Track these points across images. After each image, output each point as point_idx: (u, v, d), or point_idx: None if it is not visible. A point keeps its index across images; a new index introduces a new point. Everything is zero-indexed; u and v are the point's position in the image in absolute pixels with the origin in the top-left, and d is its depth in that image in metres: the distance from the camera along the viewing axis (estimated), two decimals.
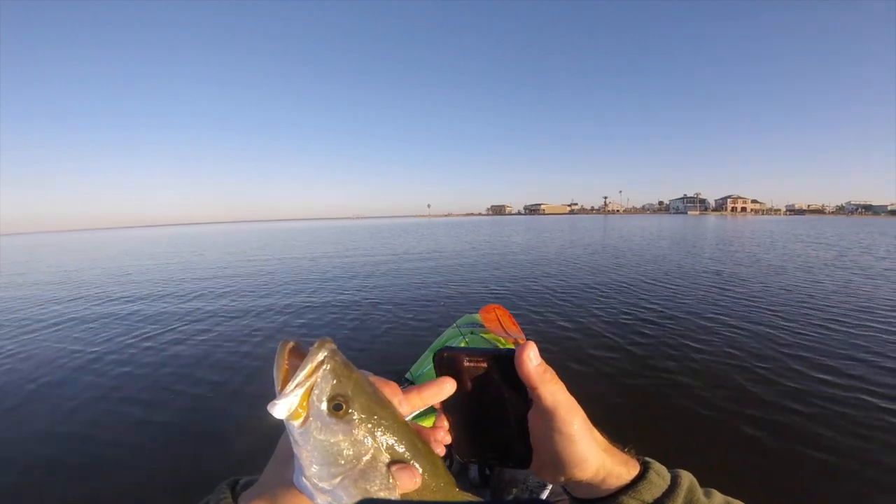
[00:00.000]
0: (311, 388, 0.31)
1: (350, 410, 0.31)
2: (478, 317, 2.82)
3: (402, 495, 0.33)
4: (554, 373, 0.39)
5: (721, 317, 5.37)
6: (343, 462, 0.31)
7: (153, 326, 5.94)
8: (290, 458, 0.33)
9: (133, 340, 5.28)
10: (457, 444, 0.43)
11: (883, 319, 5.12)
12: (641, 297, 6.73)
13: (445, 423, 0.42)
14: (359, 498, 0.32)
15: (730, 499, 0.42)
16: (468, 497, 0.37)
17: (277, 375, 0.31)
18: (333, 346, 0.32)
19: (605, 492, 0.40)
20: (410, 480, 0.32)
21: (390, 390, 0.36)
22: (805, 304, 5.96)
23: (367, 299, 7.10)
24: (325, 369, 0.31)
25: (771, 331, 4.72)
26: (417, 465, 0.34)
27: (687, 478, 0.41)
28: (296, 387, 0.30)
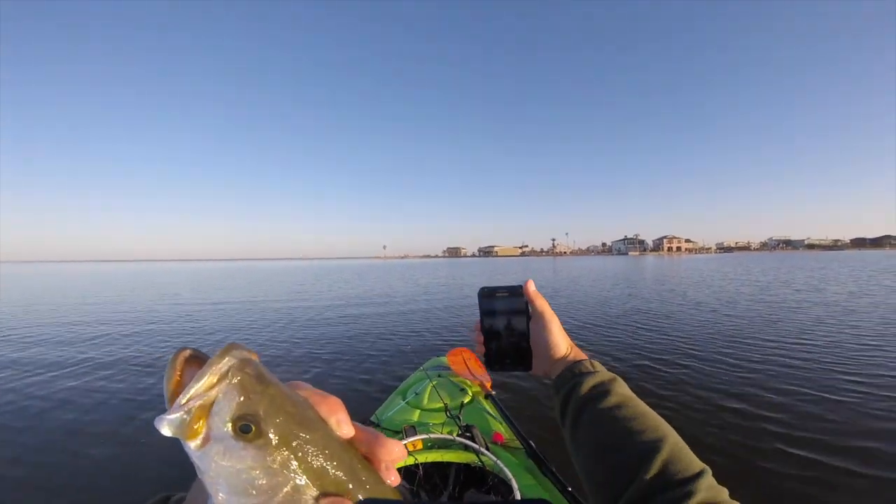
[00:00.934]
0: (209, 404, 0.25)
1: (262, 433, 0.26)
2: (444, 360, 2.82)
3: None
4: (541, 295, 0.63)
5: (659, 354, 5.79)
6: (255, 493, 0.26)
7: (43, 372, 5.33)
8: None
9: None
10: (487, 357, 0.66)
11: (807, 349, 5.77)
12: (589, 339, 7.10)
13: (480, 339, 0.66)
14: None
15: (636, 402, 0.54)
16: None
17: (167, 387, 0.26)
18: (244, 353, 0.27)
19: (560, 368, 0.60)
20: None
21: (328, 407, 0.30)
22: (725, 337, 6.57)
23: (325, 348, 6.84)
24: (229, 382, 0.26)
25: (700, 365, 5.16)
26: (357, 497, 0.28)
27: (609, 375, 0.58)
28: (188, 400, 0.25)
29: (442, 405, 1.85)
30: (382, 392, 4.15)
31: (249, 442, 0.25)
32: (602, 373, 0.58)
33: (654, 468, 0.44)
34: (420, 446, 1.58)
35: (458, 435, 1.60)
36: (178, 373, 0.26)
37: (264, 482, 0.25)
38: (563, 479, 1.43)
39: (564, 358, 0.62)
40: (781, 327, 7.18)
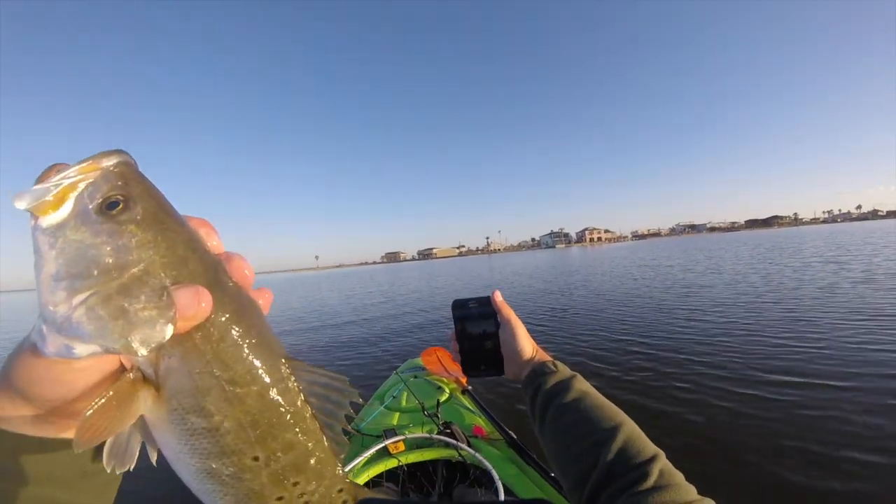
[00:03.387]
0: (80, 184, 0.23)
1: (129, 209, 0.24)
2: (419, 361, 2.82)
3: (180, 327, 0.25)
4: (507, 304, 0.72)
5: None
6: (97, 272, 0.23)
7: None
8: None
9: None
10: (463, 364, 0.73)
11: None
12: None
13: (456, 347, 0.72)
14: (109, 324, 0.23)
15: (594, 396, 0.58)
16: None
17: (39, 178, 0.23)
18: (130, 158, 0.26)
19: (527, 370, 0.66)
20: (194, 301, 0.25)
21: (198, 221, 0.30)
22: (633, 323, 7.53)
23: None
24: (109, 170, 0.24)
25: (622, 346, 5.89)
26: (215, 293, 0.26)
27: (569, 374, 0.63)
28: (61, 178, 0.23)
29: (420, 406, 1.87)
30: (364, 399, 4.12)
31: (112, 218, 0.24)
32: (563, 371, 0.63)
33: (612, 453, 0.47)
34: (402, 448, 1.61)
35: (437, 433, 1.63)
36: (53, 169, 0.24)
37: (111, 260, 0.24)
38: (545, 465, 1.46)
39: (531, 360, 0.67)
40: (673, 307, 8.15)
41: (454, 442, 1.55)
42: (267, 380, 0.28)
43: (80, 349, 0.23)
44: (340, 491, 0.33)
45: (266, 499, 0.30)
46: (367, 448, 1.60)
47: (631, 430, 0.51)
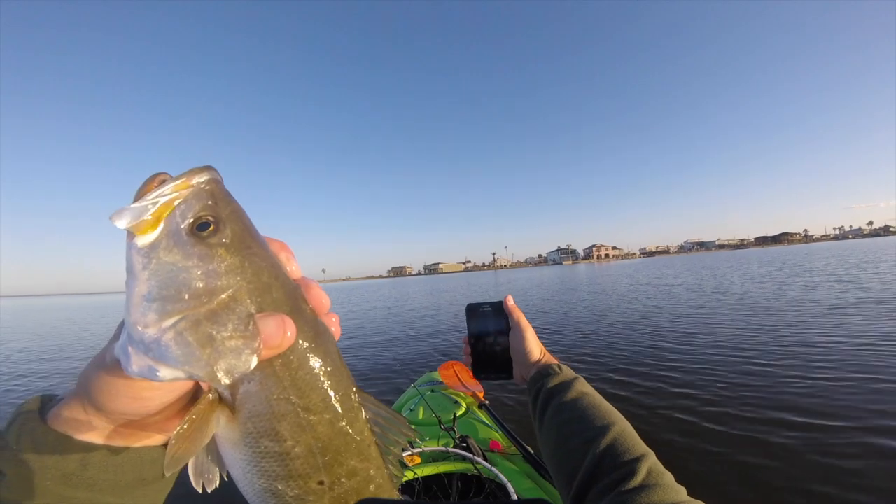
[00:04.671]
0: (174, 202, 0.24)
1: (219, 232, 0.25)
2: (436, 374, 2.83)
3: (263, 356, 0.25)
4: (518, 308, 0.74)
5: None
6: (188, 296, 0.23)
7: None
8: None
9: None
10: (474, 367, 0.76)
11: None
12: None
13: (468, 350, 0.76)
14: (197, 351, 0.23)
15: (594, 397, 0.59)
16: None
17: (137, 191, 0.24)
18: (218, 175, 0.26)
19: (533, 371, 0.67)
20: (279, 331, 0.25)
21: (278, 244, 0.30)
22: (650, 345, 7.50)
23: None
24: (201, 187, 0.25)
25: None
26: (295, 320, 0.26)
27: (572, 375, 0.64)
28: (156, 196, 0.23)
29: (436, 419, 1.86)
30: None
31: (202, 240, 0.24)
32: (566, 373, 0.64)
33: (600, 450, 0.47)
34: (418, 461, 1.61)
35: (453, 446, 1.62)
36: (153, 182, 0.24)
37: (202, 285, 0.24)
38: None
39: (537, 363, 0.69)
40: (686, 322, 8.23)
41: (470, 455, 1.54)
42: (339, 409, 0.29)
43: (165, 373, 0.23)
44: None
45: None
46: None
47: (622, 428, 0.51)
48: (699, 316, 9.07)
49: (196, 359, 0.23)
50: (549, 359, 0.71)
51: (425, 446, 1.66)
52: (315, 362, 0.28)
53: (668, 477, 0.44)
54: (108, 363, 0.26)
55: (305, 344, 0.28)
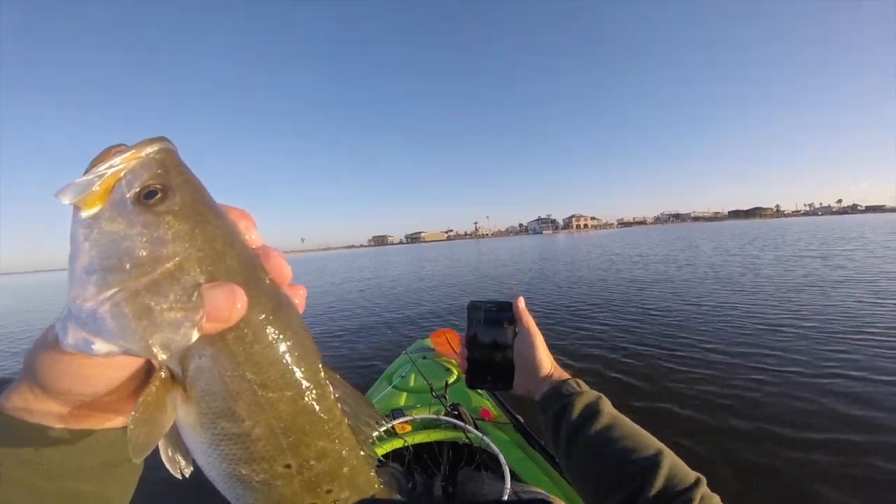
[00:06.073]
0: (121, 173, 0.22)
1: (167, 201, 0.23)
2: (428, 341, 2.87)
3: (206, 329, 0.23)
4: (529, 313, 0.67)
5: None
6: (130, 266, 0.22)
7: None
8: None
9: None
10: (469, 373, 0.68)
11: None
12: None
13: (465, 354, 0.68)
14: (132, 323, 0.21)
15: (625, 420, 0.56)
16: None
17: (89, 166, 0.22)
18: (171, 145, 0.25)
19: (546, 388, 0.62)
20: (227, 302, 0.23)
21: (238, 212, 0.28)
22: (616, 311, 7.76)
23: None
24: (150, 157, 0.23)
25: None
26: (251, 292, 0.24)
27: (595, 394, 0.60)
28: (105, 168, 0.22)
29: (428, 387, 1.85)
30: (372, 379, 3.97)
31: (149, 208, 0.23)
32: (588, 392, 0.59)
33: (658, 483, 0.46)
34: (409, 428, 1.59)
35: (444, 414, 1.62)
36: (106, 155, 0.23)
37: (145, 254, 0.22)
38: (551, 451, 1.42)
39: (549, 377, 0.63)
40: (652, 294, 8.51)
41: (461, 424, 1.53)
42: (302, 385, 0.27)
43: (100, 346, 0.22)
44: (374, 497, 0.34)
45: (298, 503, 0.29)
46: None
47: (672, 457, 0.50)
48: (658, 282, 9.39)
49: (131, 332, 0.22)
50: (561, 372, 0.65)
51: (416, 414, 1.64)
52: (273, 335, 0.26)
53: (717, 499, 0.45)
54: (49, 341, 0.25)
55: (262, 316, 0.25)
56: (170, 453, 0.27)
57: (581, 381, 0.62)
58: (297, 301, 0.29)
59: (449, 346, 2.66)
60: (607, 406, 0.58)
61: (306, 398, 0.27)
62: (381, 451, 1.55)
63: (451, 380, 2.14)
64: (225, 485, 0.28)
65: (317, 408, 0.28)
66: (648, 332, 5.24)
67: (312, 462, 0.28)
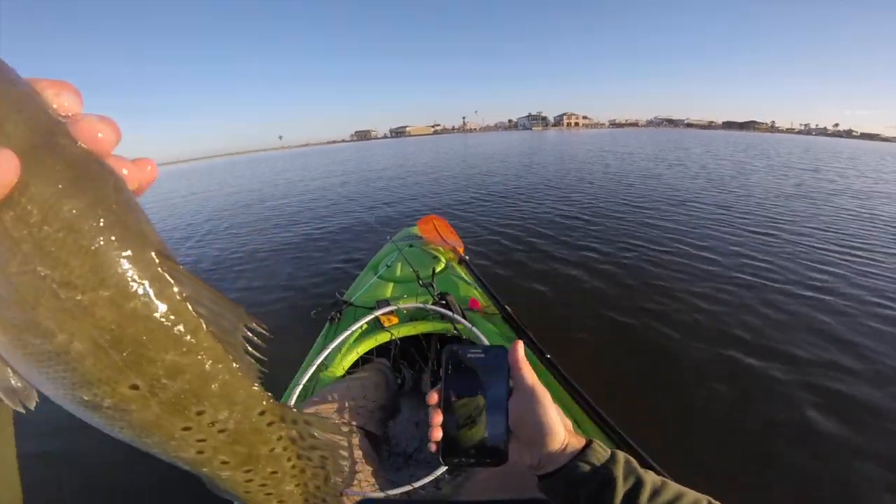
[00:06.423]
0: None
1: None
2: (415, 229, 2.76)
3: None
4: (529, 364, 0.51)
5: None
6: None
7: None
8: None
9: None
10: (444, 444, 0.49)
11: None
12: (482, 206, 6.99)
13: (438, 419, 0.49)
14: None
15: (665, 479, 0.46)
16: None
17: None
18: None
19: (567, 458, 0.46)
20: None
21: (49, 83, 0.21)
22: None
23: (278, 242, 5.86)
24: None
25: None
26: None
27: (623, 454, 0.48)
28: None
29: (414, 275, 1.78)
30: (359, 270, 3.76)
31: None
32: (621, 461, 0.47)
33: None
34: (395, 321, 1.54)
35: (432, 304, 1.56)
36: None
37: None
38: (539, 345, 1.43)
39: (564, 451, 0.48)
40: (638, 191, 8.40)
41: (449, 314, 1.47)
42: (126, 282, 0.20)
43: None
44: (262, 413, 0.28)
45: (169, 429, 0.24)
46: (359, 321, 1.51)
47: None
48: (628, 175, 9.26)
49: None
50: (577, 438, 0.49)
51: (402, 304, 1.57)
52: (73, 214, 0.19)
53: None
54: None
55: (56, 188, 0.19)
56: (5, 385, 0.22)
57: (619, 452, 0.48)
58: (140, 177, 0.23)
59: (436, 232, 2.58)
60: (649, 476, 0.46)
61: (136, 299, 0.21)
62: (367, 346, 1.49)
63: (439, 268, 2.07)
64: (78, 414, 0.23)
65: (154, 311, 0.21)
66: (635, 226, 5.24)
67: (165, 381, 0.23)
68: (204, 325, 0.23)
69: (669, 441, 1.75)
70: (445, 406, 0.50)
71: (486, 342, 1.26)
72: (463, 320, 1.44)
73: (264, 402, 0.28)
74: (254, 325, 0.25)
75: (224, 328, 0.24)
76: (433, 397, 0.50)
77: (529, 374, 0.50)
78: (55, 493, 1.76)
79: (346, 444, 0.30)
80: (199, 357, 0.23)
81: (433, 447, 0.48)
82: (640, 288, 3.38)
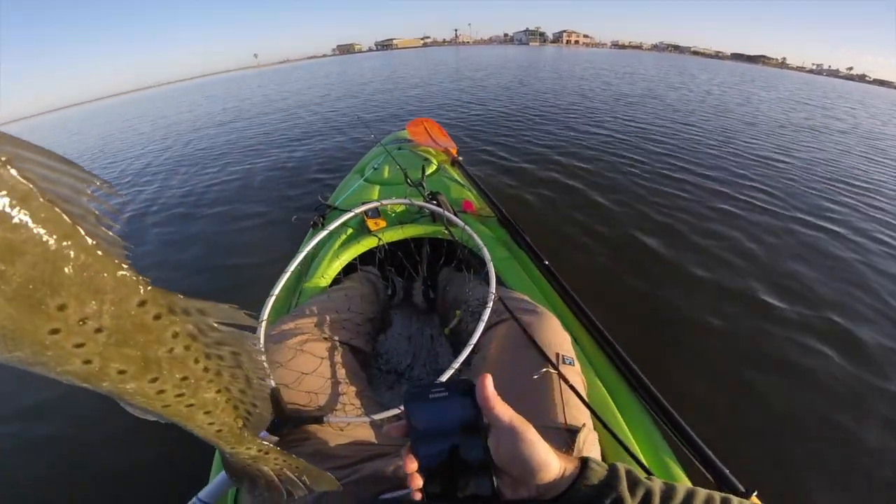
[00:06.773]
0: None
1: None
2: (405, 133, 2.65)
3: None
4: (501, 400, 0.44)
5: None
6: None
7: None
8: None
9: None
10: (428, 485, 0.43)
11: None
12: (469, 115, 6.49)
13: (413, 466, 0.43)
14: None
15: (669, 482, 0.46)
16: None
17: None
18: None
19: (564, 485, 0.43)
20: None
21: None
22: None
23: (264, 150, 5.62)
24: None
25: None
26: None
27: (622, 465, 0.46)
28: None
29: (403, 176, 1.69)
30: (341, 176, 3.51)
31: None
32: (623, 474, 0.45)
33: None
34: (383, 224, 1.44)
35: (421, 202, 1.44)
36: None
37: None
38: (537, 250, 1.35)
39: (562, 477, 0.45)
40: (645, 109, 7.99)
41: (440, 211, 1.36)
42: None
43: None
44: (143, 304, 0.23)
45: (34, 334, 0.19)
46: (344, 226, 1.42)
47: None
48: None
49: None
50: (571, 461, 0.45)
51: (388, 201, 1.47)
52: None
53: None
54: None
55: None
56: None
57: (603, 462, 0.46)
58: None
59: (427, 135, 2.50)
60: (657, 483, 0.45)
61: None
62: (352, 253, 1.38)
63: (430, 170, 1.99)
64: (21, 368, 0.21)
65: None
66: (636, 140, 4.99)
67: (1, 266, 0.17)
68: (39, 195, 0.18)
69: (668, 363, 1.69)
70: (418, 449, 0.43)
71: (482, 244, 1.16)
72: (456, 219, 1.33)
73: (141, 290, 0.22)
74: (103, 187, 0.20)
75: (64, 196, 0.19)
76: (405, 449, 0.44)
77: (504, 409, 0.44)
78: (49, 479, 1.45)
79: (254, 332, 0.25)
80: (38, 234, 0.18)
81: None
82: (641, 203, 3.21)
